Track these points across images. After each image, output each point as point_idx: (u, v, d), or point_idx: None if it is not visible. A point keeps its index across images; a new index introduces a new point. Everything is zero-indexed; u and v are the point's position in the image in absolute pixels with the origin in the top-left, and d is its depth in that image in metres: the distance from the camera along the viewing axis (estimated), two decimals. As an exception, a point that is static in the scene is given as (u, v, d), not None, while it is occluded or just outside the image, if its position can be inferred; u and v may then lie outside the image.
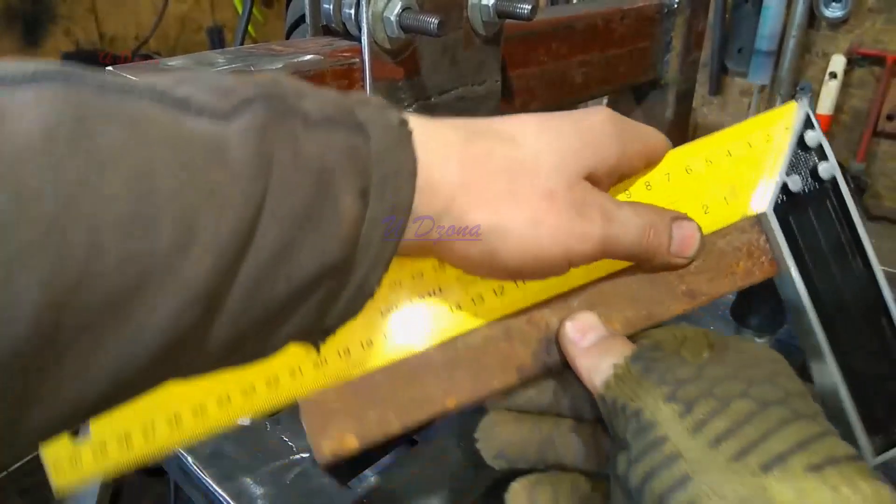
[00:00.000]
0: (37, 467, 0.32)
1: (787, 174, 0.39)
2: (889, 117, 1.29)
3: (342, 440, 0.33)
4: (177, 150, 0.23)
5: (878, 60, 1.27)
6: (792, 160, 0.40)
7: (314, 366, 0.33)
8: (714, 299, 0.38)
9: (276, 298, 0.26)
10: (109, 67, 0.37)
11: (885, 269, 0.78)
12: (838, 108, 1.32)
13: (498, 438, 0.38)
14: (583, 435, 0.38)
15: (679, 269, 0.38)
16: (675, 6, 0.69)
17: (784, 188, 0.39)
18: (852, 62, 1.29)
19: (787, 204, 0.39)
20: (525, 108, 0.59)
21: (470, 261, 0.33)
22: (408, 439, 0.65)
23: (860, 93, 1.32)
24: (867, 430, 0.39)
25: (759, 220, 0.39)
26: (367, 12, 0.42)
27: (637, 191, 0.38)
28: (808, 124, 0.40)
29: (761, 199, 0.39)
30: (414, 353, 0.35)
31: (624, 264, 0.38)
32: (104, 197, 0.21)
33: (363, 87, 0.44)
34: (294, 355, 0.33)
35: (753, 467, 0.28)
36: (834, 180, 0.40)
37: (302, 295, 0.27)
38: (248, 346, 0.27)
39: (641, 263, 0.37)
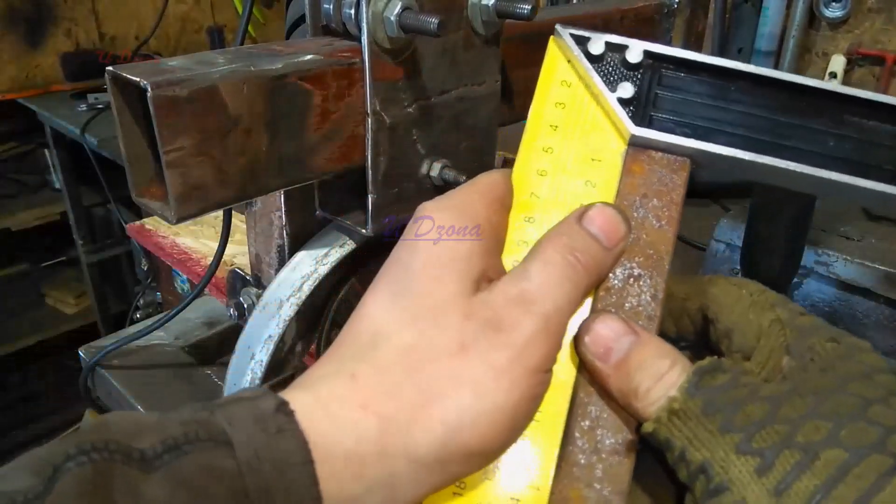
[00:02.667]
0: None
1: (613, 90, 0.36)
2: (889, 117, 1.29)
3: None
4: None
5: (877, 60, 1.27)
6: (602, 77, 0.36)
7: None
8: (677, 221, 0.34)
9: None
10: (109, 67, 0.37)
11: (887, 269, 0.78)
12: (839, 108, 1.32)
13: None
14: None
15: (625, 249, 0.33)
16: (675, 6, 0.69)
17: (623, 101, 0.36)
18: (852, 62, 1.29)
19: (639, 109, 0.35)
20: (525, 109, 0.59)
21: (458, 473, 0.28)
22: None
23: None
24: None
25: (635, 142, 0.35)
26: (367, 12, 0.42)
27: (522, 232, 0.34)
28: (580, 41, 0.37)
29: (619, 129, 0.36)
30: None
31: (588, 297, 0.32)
32: None
33: (363, 87, 0.44)
34: None
35: None
36: (649, 53, 0.36)
37: None
38: None
39: (596, 284, 0.32)
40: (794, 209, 0.76)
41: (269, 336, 0.52)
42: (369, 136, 0.45)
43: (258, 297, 0.57)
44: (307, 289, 0.52)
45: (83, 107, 2.00)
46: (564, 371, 0.31)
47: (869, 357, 0.30)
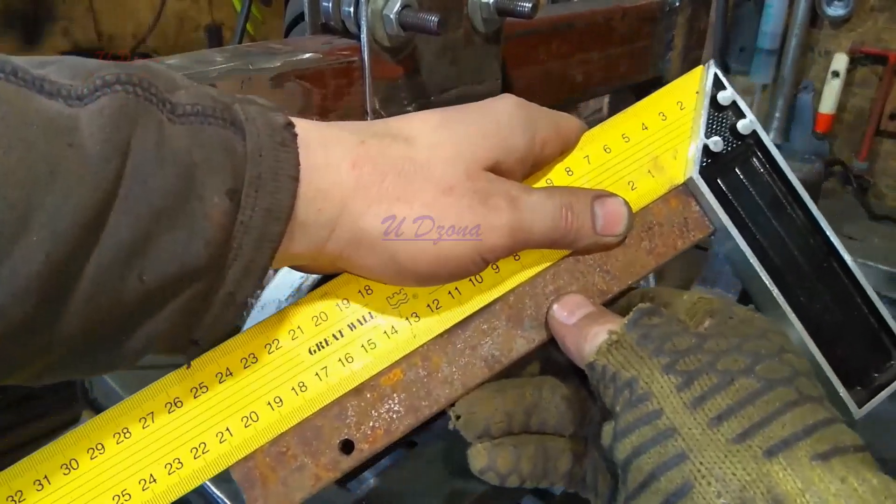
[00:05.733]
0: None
1: (707, 136, 0.39)
2: (892, 116, 1.29)
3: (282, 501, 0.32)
4: (19, 128, 0.21)
5: (880, 59, 1.27)
6: (709, 122, 0.39)
7: (244, 425, 0.31)
8: (664, 261, 0.38)
9: (127, 297, 0.24)
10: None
11: (888, 268, 0.78)
12: (841, 107, 1.32)
13: (481, 415, 0.35)
14: (565, 397, 0.37)
15: (611, 247, 0.36)
16: (677, 4, 0.69)
17: (706, 150, 0.39)
18: (854, 61, 1.29)
19: (712, 165, 0.39)
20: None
21: (374, 271, 0.32)
22: (407, 441, 0.65)
23: (863, 92, 1.31)
24: (845, 385, 0.38)
25: (688, 185, 0.39)
26: (366, 10, 0.41)
27: (557, 177, 0.37)
28: (718, 85, 0.40)
29: (686, 166, 0.39)
30: (351, 386, 0.33)
31: (558, 255, 0.36)
32: None
33: (363, 85, 0.43)
34: (222, 414, 0.31)
35: (756, 451, 0.27)
36: (755, 135, 0.40)
37: (159, 297, 0.25)
38: (100, 349, 0.26)
39: (566, 247, 0.36)
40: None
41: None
42: (369, 135, 0.45)
43: (257, 297, 0.56)
44: (306, 289, 0.51)
45: (82, 106, 1.99)
46: (502, 283, 0.35)
47: (780, 329, 0.34)
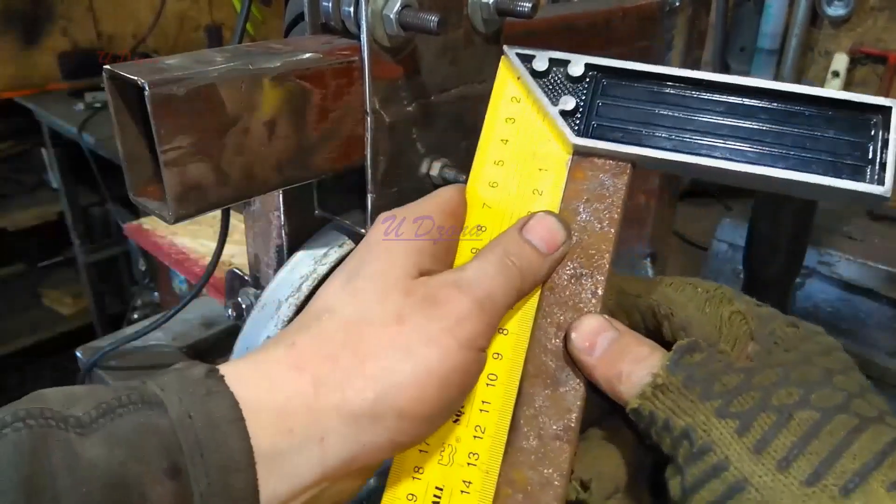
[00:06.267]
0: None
1: (555, 104, 0.38)
2: (891, 116, 1.29)
3: None
4: None
5: (880, 59, 1.27)
6: (547, 91, 0.39)
7: None
8: (619, 222, 0.36)
9: None
10: (107, 66, 0.36)
11: (890, 269, 0.78)
12: (840, 107, 1.32)
13: (606, 473, 0.34)
14: (617, 446, 0.35)
15: (566, 253, 0.35)
16: (677, 4, 0.69)
17: (566, 113, 0.38)
18: (855, 61, 1.29)
19: (580, 119, 0.38)
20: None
21: (392, 442, 0.30)
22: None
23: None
24: (857, 180, 0.34)
25: (578, 151, 0.38)
26: (366, 10, 0.41)
27: (476, 242, 0.37)
28: (526, 59, 0.40)
29: (563, 140, 0.38)
30: None
31: (532, 299, 0.35)
32: None
33: (363, 85, 0.43)
34: None
35: (832, 491, 0.26)
36: (591, 66, 0.38)
37: None
38: None
39: (534, 286, 0.34)
40: (796, 206, 0.76)
41: (268, 337, 0.52)
42: (369, 135, 0.45)
43: (256, 297, 0.56)
44: (306, 289, 0.51)
45: (80, 106, 1.99)
46: (513, 365, 0.34)
47: (825, 338, 0.32)
